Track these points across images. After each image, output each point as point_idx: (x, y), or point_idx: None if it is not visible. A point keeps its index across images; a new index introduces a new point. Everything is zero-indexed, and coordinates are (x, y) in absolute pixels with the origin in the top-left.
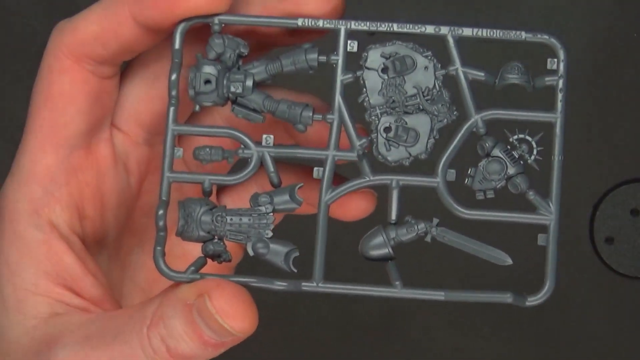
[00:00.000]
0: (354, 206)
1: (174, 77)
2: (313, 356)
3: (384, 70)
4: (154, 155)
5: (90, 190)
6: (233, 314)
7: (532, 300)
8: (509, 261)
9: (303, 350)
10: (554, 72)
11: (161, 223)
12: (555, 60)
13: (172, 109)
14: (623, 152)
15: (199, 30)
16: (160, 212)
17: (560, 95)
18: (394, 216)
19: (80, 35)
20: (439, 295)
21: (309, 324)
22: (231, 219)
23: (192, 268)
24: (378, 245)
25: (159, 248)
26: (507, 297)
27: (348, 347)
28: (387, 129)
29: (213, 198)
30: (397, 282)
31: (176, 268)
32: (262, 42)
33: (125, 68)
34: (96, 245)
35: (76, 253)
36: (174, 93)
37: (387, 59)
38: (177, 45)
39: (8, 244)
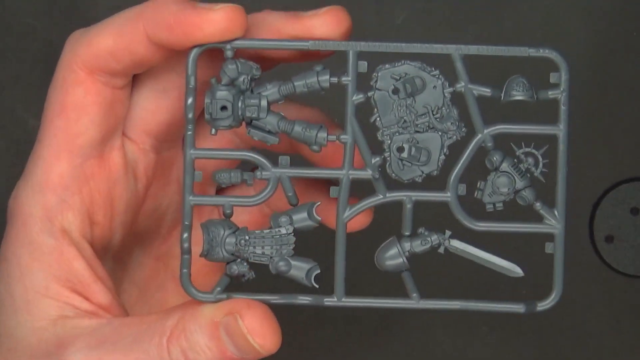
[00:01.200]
0: (352, 220)
1: (189, 101)
2: (312, 355)
3: (395, 91)
4: (160, 161)
5: (101, 198)
6: (263, 334)
7: (542, 306)
8: (520, 272)
9: (302, 349)
10: (556, 85)
11: (186, 246)
12: (558, 74)
13: (189, 133)
14: (623, 151)
15: (212, 49)
16: (185, 235)
17: (563, 109)
18: (408, 230)
19: (94, 49)
20: (455, 305)
21: (309, 323)
22: (254, 241)
23: (218, 289)
24: (393, 256)
25: (185, 270)
26: (520, 308)
27: (347, 346)
28: (400, 149)
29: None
30: (415, 294)
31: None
32: (270, 62)
33: (134, 78)
34: (103, 249)
35: (86, 259)
36: (190, 117)
37: (397, 80)
38: (190, 71)
39: (20, 247)
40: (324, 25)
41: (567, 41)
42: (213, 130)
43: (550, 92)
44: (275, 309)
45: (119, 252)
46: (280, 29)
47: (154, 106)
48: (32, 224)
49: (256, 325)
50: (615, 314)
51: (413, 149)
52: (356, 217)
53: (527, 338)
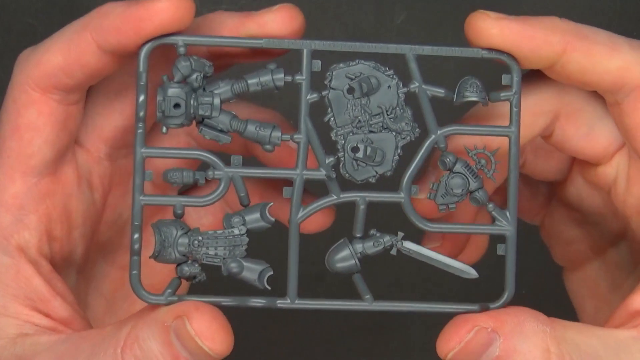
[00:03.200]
0: (313, 220)
1: (141, 99)
2: (311, 355)
3: (349, 90)
4: (116, 169)
5: (58, 213)
6: (212, 336)
7: (494, 307)
8: (474, 274)
9: (301, 349)
10: (508, 87)
11: (136, 247)
12: (510, 76)
13: (139, 131)
14: None
15: (162, 48)
16: (135, 236)
17: (515, 111)
18: (360, 231)
19: (45, 68)
20: (408, 307)
21: (307, 322)
22: (207, 242)
23: (169, 291)
24: (344, 258)
25: (134, 272)
26: (475, 309)
27: (346, 345)
28: (355, 149)
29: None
30: (367, 296)
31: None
32: (224, 60)
33: None
34: (64, 262)
35: (44, 276)
36: (141, 114)
37: (352, 79)
38: (141, 67)
39: None
40: (276, 22)
41: None
42: (164, 129)
43: (502, 94)
44: (268, 308)
45: (82, 265)
46: (234, 29)
47: (106, 110)
48: None
49: (204, 328)
50: None
51: (368, 149)
52: (317, 218)
53: None
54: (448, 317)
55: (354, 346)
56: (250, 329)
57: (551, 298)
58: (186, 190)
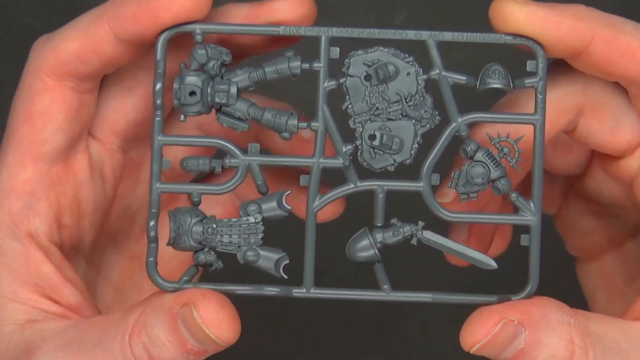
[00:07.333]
0: (324, 209)
1: (158, 86)
2: (310, 354)
3: (367, 77)
4: (127, 160)
5: (68, 201)
6: (218, 324)
7: (518, 299)
8: (494, 265)
9: (301, 347)
10: (533, 74)
11: (152, 234)
12: (535, 62)
13: (157, 119)
14: None
15: (180, 36)
16: (152, 223)
17: (540, 97)
18: (380, 221)
19: (61, 55)
20: (426, 297)
21: (306, 321)
22: (221, 230)
23: (185, 278)
24: (364, 248)
25: (151, 259)
26: (493, 299)
27: (346, 344)
28: (372, 137)
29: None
30: (386, 286)
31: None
32: (238, 52)
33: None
34: (72, 250)
35: (54, 262)
36: (158, 102)
37: (369, 66)
38: (159, 55)
39: None
40: (287, 7)
41: None
42: (182, 117)
43: (527, 81)
44: (270, 307)
45: (91, 253)
46: (246, 19)
47: (121, 104)
48: None
49: (211, 316)
50: None
51: (385, 137)
52: (327, 207)
53: None
54: (463, 308)
55: (353, 346)
56: (249, 328)
57: (558, 288)
58: (199, 180)
